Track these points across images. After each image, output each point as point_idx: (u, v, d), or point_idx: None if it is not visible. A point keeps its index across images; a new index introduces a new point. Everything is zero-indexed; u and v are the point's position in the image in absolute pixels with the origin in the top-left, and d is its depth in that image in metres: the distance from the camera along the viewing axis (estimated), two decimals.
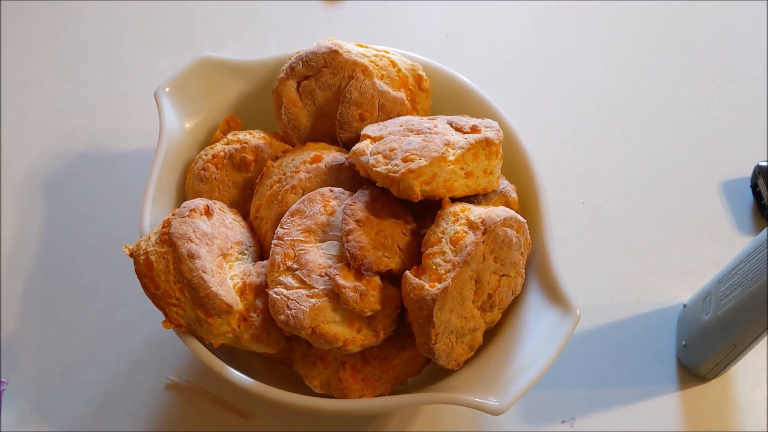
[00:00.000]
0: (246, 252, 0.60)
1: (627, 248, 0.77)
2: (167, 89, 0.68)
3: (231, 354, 0.61)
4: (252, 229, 0.63)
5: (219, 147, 0.66)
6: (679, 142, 0.83)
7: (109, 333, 0.71)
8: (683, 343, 0.69)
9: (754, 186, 0.78)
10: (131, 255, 0.57)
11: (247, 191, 0.66)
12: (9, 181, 0.79)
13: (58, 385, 0.68)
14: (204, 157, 0.66)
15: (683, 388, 0.69)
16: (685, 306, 0.70)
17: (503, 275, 0.57)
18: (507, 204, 0.63)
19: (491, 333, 0.60)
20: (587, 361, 0.70)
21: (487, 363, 0.58)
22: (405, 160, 0.56)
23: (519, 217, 0.58)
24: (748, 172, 0.79)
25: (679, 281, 0.75)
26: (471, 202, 0.60)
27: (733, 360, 0.65)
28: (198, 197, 0.64)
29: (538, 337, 0.58)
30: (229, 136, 0.67)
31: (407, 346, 0.58)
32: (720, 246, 0.76)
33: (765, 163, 0.77)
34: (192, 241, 0.55)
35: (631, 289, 0.74)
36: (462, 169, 0.57)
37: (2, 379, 0.67)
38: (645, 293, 0.74)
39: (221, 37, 0.90)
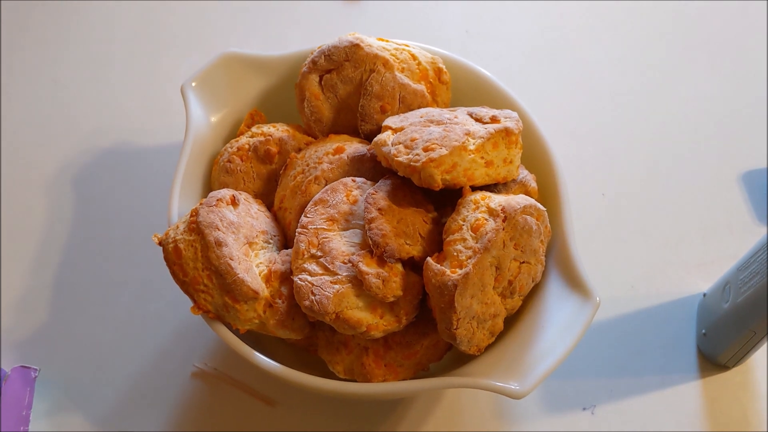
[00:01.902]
0: (271, 241, 0.62)
1: (646, 239, 0.77)
2: (193, 84, 0.69)
3: (257, 341, 0.62)
4: (276, 219, 0.65)
5: (244, 140, 0.68)
6: (698, 134, 0.84)
7: (137, 324, 0.73)
8: (703, 331, 0.69)
9: None
10: (160, 243, 0.59)
11: (271, 183, 0.67)
12: (40, 177, 0.81)
13: (88, 373, 0.70)
14: (229, 149, 0.67)
15: (703, 376, 0.70)
16: (704, 295, 0.71)
17: (523, 262, 0.58)
18: (527, 193, 0.63)
19: (512, 319, 0.61)
20: (608, 350, 0.71)
21: (508, 348, 0.59)
22: (426, 149, 0.58)
23: (539, 205, 0.59)
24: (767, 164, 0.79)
25: (699, 271, 0.75)
26: (491, 191, 0.61)
27: (752, 348, 0.65)
28: (224, 188, 0.66)
29: (558, 324, 0.59)
30: (254, 129, 0.68)
31: (429, 332, 0.60)
32: (739, 236, 0.77)
33: None
34: (219, 230, 0.57)
35: (650, 279, 0.75)
36: (482, 158, 0.58)
37: (35, 367, 0.69)
38: (665, 284, 0.75)
39: (244, 36, 0.92)
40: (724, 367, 0.69)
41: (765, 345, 0.65)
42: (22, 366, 0.69)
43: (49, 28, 0.92)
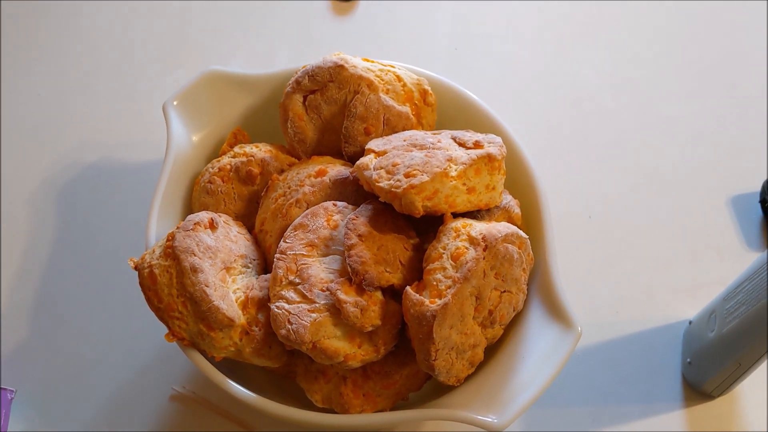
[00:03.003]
0: (250, 265, 0.61)
1: (634, 263, 0.76)
2: (175, 102, 0.69)
3: (234, 367, 0.61)
4: (257, 242, 0.64)
5: (225, 160, 0.67)
6: (687, 156, 0.83)
7: (117, 343, 0.72)
8: (688, 360, 0.68)
9: (763, 201, 0.77)
10: (136, 268, 0.58)
11: (252, 204, 0.66)
12: (21, 191, 0.80)
13: (65, 394, 0.69)
14: (210, 170, 0.67)
15: (688, 405, 0.69)
16: (690, 322, 0.70)
17: (504, 291, 0.57)
18: (510, 219, 0.63)
19: (493, 349, 0.60)
20: (592, 377, 0.70)
21: (488, 379, 0.58)
22: (407, 175, 0.57)
23: (521, 232, 0.58)
24: (758, 187, 0.78)
25: (686, 297, 0.74)
26: (474, 218, 0.60)
27: (738, 378, 0.64)
28: (204, 210, 0.65)
29: (538, 354, 0.58)
30: (236, 149, 0.68)
31: (408, 362, 0.59)
32: (728, 262, 0.76)
33: None
34: (195, 255, 0.56)
35: (636, 304, 0.74)
36: (464, 184, 0.58)
37: (11, 389, 0.68)
38: (651, 309, 0.74)
39: (231, 50, 0.91)
40: (709, 397, 0.68)
41: (751, 375, 0.64)
42: None
43: (32, 41, 0.91)
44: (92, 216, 0.79)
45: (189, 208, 0.67)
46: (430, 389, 0.61)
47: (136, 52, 0.91)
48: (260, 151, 0.67)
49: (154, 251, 0.58)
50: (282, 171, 0.66)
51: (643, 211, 0.79)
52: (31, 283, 0.75)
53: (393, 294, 0.58)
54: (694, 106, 0.87)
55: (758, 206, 0.78)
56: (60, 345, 0.72)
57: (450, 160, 0.58)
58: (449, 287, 0.54)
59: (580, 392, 0.69)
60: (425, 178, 0.56)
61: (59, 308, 0.74)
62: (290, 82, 0.67)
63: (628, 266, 0.76)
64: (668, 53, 0.91)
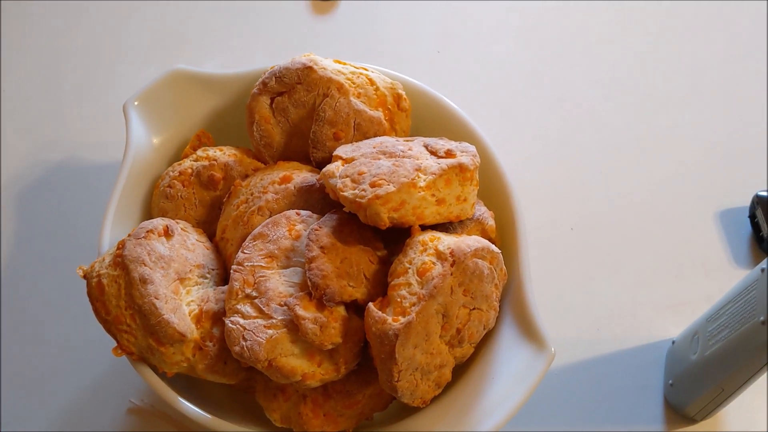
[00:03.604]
0: (208, 276, 0.58)
1: (616, 278, 0.73)
2: (136, 102, 0.65)
3: (190, 380, 0.58)
4: (218, 250, 0.60)
5: (187, 163, 0.64)
6: (674, 169, 0.80)
7: (73, 352, 0.68)
8: (670, 382, 0.65)
9: (752, 216, 0.74)
10: (84, 277, 0.55)
11: (214, 210, 0.63)
12: None
13: (16, 406, 0.66)
14: (171, 173, 0.63)
15: (669, 428, 0.66)
16: (674, 342, 0.67)
17: (474, 309, 0.54)
18: (484, 231, 0.59)
19: (462, 368, 0.57)
20: (570, 396, 0.67)
21: (456, 400, 0.55)
22: (373, 185, 0.54)
23: (492, 247, 0.55)
24: (746, 202, 0.75)
25: (670, 314, 0.71)
26: (446, 230, 0.57)
27: (721, 403, 0.61)
28: (163, 215, 0.62)
29: (509, 375, 0.55)
30: (199, 153, 0.64)
31: (372, 381, 0.55)
32: (714, 278, 0.73)
33: (764, 193, 0.73)
34: (146, 265, 0.53)
35: (619, 321, 0.71)
36: (433, 195, 0.54)
37: None
38: (633, 326, 0.71)
39: (207, 49, 0.88)
40: (692, 420, 0.65)
41: (735, 400, 0.61)
42: None
43: None
44: (50, 219, 0.75)
45: (148, 213, 0.64)
46: (396, 409, 0.58)
47: (107, 49, 0.87)
48: (224, 154, 0.64)
49: (104, 259, 0.55)
50: (246, 176, 0.63)
51: (627, 223, 0.76)
52: None
53: (356, 309, 0.54)
54: (682, 119, 0.83)
55: (747, 221, 0.75)
56: (11, 355, 0.68)
57: (419, 169, 0.54)
58: (414, 304, 0.51)
59: (558, 412, 0.66)
60: (391, 188, 0.53)
61: (11, 315, 0.70)
62: (257, 83, 0.64)
63: (611, 281, 0.73)
64: (655, 65, 0.88)
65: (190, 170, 0.63)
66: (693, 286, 0.73)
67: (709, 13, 0.92)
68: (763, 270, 0.53)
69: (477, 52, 0.88)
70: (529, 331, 0.56)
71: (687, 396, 0.63)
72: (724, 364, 0.57)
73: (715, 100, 0.85)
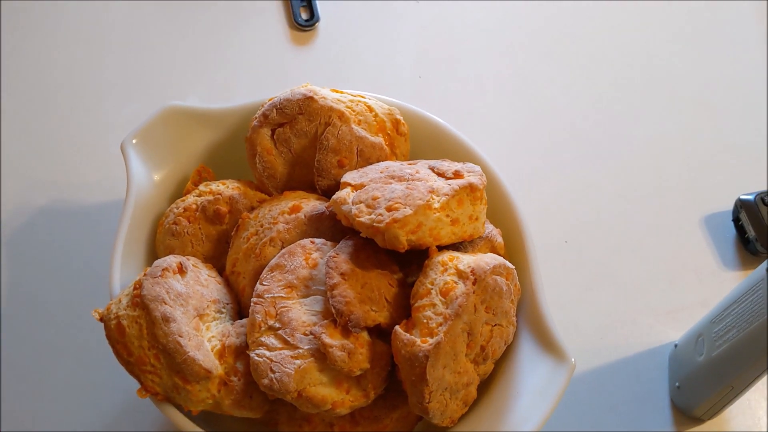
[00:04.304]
0: (223, 310, 0.57)
1: (613, 287, 0.75)
2: (134, 141, 0.65)
3: (210, 417, 0.57)
4: (228, 284, 0.60)
5: (191, 199, 0.63)
6: (659, 177, 0.82)
7: (78, 397, 0.67)
8: (677, 384, 0.67)
9: (737, 219, 0.77)
10: (101, 319, 0.53)
11: (222, 245, 0.63)
12: None
13: None
14: (175, 210, 0.63)
15: (678, 430, 0.67)
16: (676, 346, 0.69)
17: (495, 325, 0.55)
18: (493, 249, 0.61)
19: (484, 385, 0.58)
20: (579, 405, 0.68)
21: (482, 419, 0.56)
22: (389, 209, 0.54)
23: (507, 263, 0.56)
24: (730, 206, 0.78)
25: (668, 320, 0.73)
26: (457, 250, 0.58)
27: (729, 401, 0.63)
28: (170, 253, 0.61)
29: (533, 390, 0.55)
30: (201, 188, 0.64)
31: (398, 405, 0.56)
32: (706, 282, 0.75)
33: (746, 196, 0.76)
34: (166, 303, 0.52)
35: (619, 328, 0.73)
36: (447, 216, 0.55)
37: None
38: (634, 333, 0.72)
39: (189, 83, 0.87)
40: (699, 421, 0.67)
41: (740, 397, 0.63)
42: None
43: None
44: (46, 263, 0.73)
45: (153, 252, 0.63)
46: (422, 431, 0.58)
47: (87, 87, 0.86)
48: (228, 188, 0.63)
49: (120, 301, 0.54)
50: (252, 208, 0.63)
51: (618, 232, 0.79)
52: None
53: (379, 334, 0.55)
54: (664, 127, 0.86)
55: (731, 225, 0.78)
56: (21, 400, 0.66)
57: (432, 191, 0.55)
58: (440, 324, 0.51)
59: (569, 421, 0.67)
60: (408, 211, 0.54)
61: (14, 363, 0.68)
62: (257, 115, 0.64)
63: (608, 290, 0.75)
64: (639, 74, 0.91)
65: (194, 206, 0.62)
66: (687, 290, 0.75)
67: (686, 21, 0.96)
68: None
69: (457, 75, 0.90)
70: (547, 343, 0.56)
71: (695, 397, 0.65)
72: (734, 363, 0.59)
73: (696, 109, 0.88)
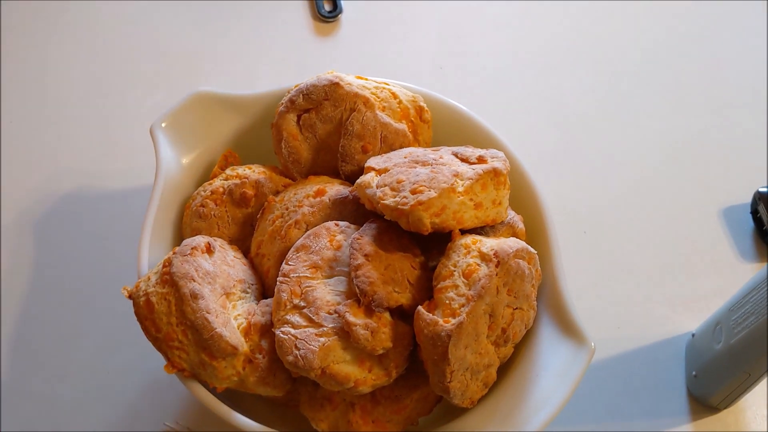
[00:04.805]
0: (249, 290, 0.58)
1: (630, 277, 0.76)
2: (163, 125, 0.66)
3: (232, 396, 0.58)
4: (253, 266, 0.61)
5: (218, 183, 0.64)
6: (678, 169, 0.83)
7: (102, 379, 0.68)
8: (693, 373, 0.67)
9: (755, 212, 0.77)
10: (130, 297, 0.55)
11: (247, 227, 0.64)
12: None
13: (53, 428, 0.65)
14: (202, 193, 0.64)
15: (694, 419, 0.68)
16: (693, 335, 0.69)
17: (516, 308, 0.56)
18: (515, 235, 0.61)
19: (504, 368, 0.58)
20: (596, 394, 0.69)
21: (502, 400, 0.56)
22: (414, 192, 0.55)
23: (530, 248, 0.57)
24: (748, 198, 0.79)
25: (685, 310, 0.74)
26: (479, 234, 0.59)
27: (746, 389, 0.63)
28: (197, 235, 0.62)
29: (552, 372, 0.56)
30: (228, 171, 0.65)
31: (419, 385, 0.57)
32: (723, 273, 0.76)
33: (765, 189, 0.77)
34: (195, 281, 0.53)
35: (636, 319, 0.73)
36: (471, 200, 0.56)
37: None
38: (651, 323, 0.73)
39: (212, 72, 0.89)
40: (715, 409, 0.68)
41: (755, 387, 0.63)
42: None
43: (5, 67, 0.87)
44: (72, 248, 0.75)
45: (180, 233, 0.65)
46: (440, 413, 0.59)
47: (114, 75, 0.87)
48: (254, 172, 0.65)
49: (149, 278, 0.55)
50: (277, 192, 0.64)
51: (636, 224, 0.79)
52: (10, 319, 0.70)
53: (401, 315, 0.56)
54: (683, 119, 0.87)
55: (749, 217, 0.78)
56: (43, 382, 0.68)
57: (456, 175, 0.56)
58: (463, 305, 0.52)
59: (586, 409, 0.68)
60: (433, 194, 0.55)
61: (40, 345, 0.70)
62: (283, 101, 0.65)
63: (626, 280, 0.76)
64: (657, 66, 0.91)
65: (221, 189, 0.63)
66: (704, 281, 0.76)
67: (708, 13, 0.96)
68: None
69: (478, 66, 0.91)
70: (567, 327, 0.57)
71: (712, 385, 0.65)
72: (752, 349, 0.59)
73: (716, 101, 0.88)
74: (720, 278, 0.76)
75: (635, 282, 0.76)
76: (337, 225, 0.58)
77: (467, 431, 0.53)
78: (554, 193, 0.79)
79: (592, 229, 0.79)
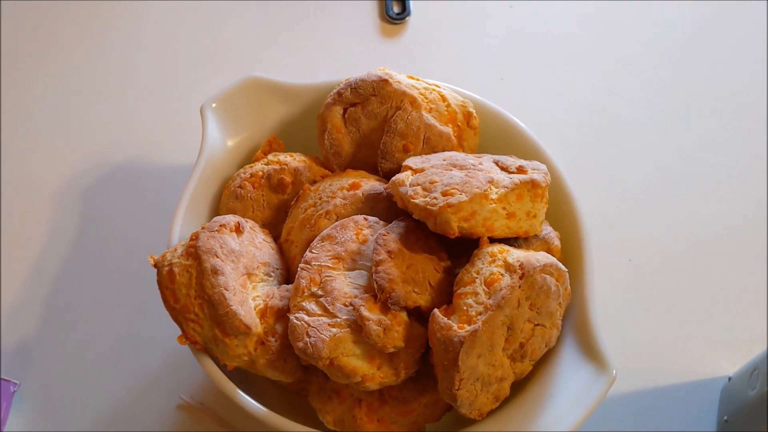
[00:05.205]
0: (272, 274, 0.58)
1: (671, 311, 0.73)
2: (213, 105, 0.67)
3: (245, 379, 0.58)
4: (282, 252, 0.61)
5: (258, 166, 0.65)
6: (734, 207, 0.79)
7: (126, 347, 0.70)
8: (725, 418, 0.64)
9: None
10: (155, 265, 0.56)
11: (281, 213, 0.64)
12: (47, 186, 0.79)
13: (69, 394, 0.67)
14: (242, 174, 0.65)
15: None
16: (730, 379, 0.66)
17: (538, 324, 0.54)
18: (549, 251, 0.60)
19: (520, 385, 0.57)
20: (620, 425, 0.66)
21: (512, 416, 0.55)
22: (445, 194, 0.54)
23: (560, 265, 0.55)
24: None
25: (724, 352, 0.70)
26: (510, 245, 0.57)
27: None
28: (230, 214, 0.63)
29: (568, 394, 0.54)
30: (270, 157, 0.66)
31: (428, 390, 0.55)
32: None
33: None
34: (218, 257, 0.54)
35: (672, 354, 0.70)
36: (504, 209, 0.55)
37: (15, 381, 0.66)
38: (686, 361, 0.70)
39: (275, 61, 0.90)
40: None
41: None
42: (1, 378, 0.65)
43: (76, 37, 0.91)
44: (115, 216, 0.77)
45: (216, 212, 0.65)
46: (449, 422, 0.58)
47: (179, 56, 0.90)
48: (294, 160, 0.65)
49: (176, 249, 0.56)
50: (314, 182, 0.64)
51: (684, 259, 0.76)
52: (48, 280, 0.73)
53: (419, 317, 0.55)
54: (742, 157, 0.83)
55: None
56: (70, 344, 0.70)
57: (491, 182, 0.55)
58: (480, 313, 0.51)
59: None
60: (463, 197, 0.54)
61: (73, 307, 0.72)
62: (332, 93, 0.65)
63: (666, 314, 0.72)
64: (720, 98, 0.88)
65: (261, 173, 0.64)
66: (748, 325, 0.72)
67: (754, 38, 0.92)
68: None
69: (539, 82, 0.89)
70: (590, 351, 0.55)
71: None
72: None
73: None
74: (766, 324, 0.72)
75: (676, 317, 0.72)
76: (366, 219, 0.58)
77: None
78: (603, 216, 0.78)
79: (637, 258, 0.76)
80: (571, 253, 0.61)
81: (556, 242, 0.60)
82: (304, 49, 0.91)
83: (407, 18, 0.93)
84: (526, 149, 0.65)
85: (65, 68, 0.88)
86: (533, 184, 0.56)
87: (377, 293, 0.53)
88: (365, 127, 0.64)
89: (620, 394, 0.67)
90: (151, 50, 0.90)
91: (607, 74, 0.90)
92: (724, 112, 0.87)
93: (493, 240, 0.56)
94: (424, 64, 0.90)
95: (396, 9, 0.94)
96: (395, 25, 0.93)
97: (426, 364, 0.55)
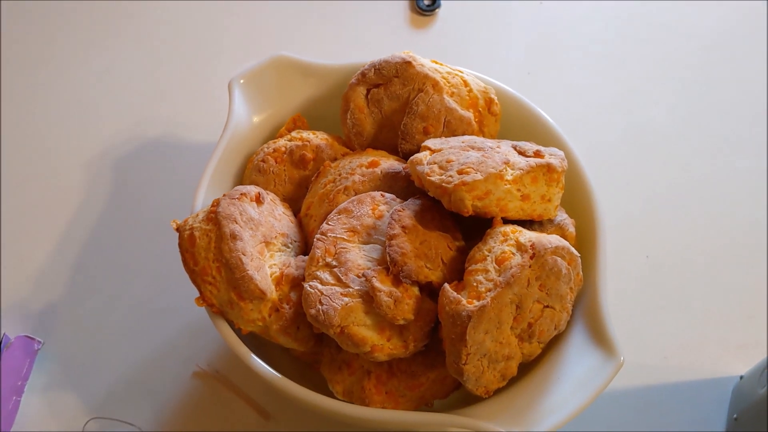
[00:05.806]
0: (290, 245, 0.60)
1: (686, 310, 0.72)
2: (241, 81, 0.69)
3: (260, 346, 0.60)
4: (301, 225, 0.63)
5: (281, 142, 0.66)
6: (754, 211, 0.79)
7: (146, 315, 0.71)
8: (735, 416, 0.64)
9: None
10: (177, 229, 0.57)
11: (301, 189, 0.65)
12: (80, 156, 0.81)
13: (90, 355, 0.69)
14: (265, 149, 0.66)
15: None
16: (741, 378, 0.66)
17: (547, 306, 0.55)
18: (563, 237, 0.60)
19: (527, 366, 0.57)
20: (631, 419, 0.66)
21: (518, 396, 0.55)
22: (460, 172, 0.55)
23: (572, 249, 0.56)
24: None
25: (738, 353, 0.70)
26: (524, 227, 0.58)
27: None
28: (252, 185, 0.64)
29: (575, 378, 0.55)
30: (293, 134, 0.67)
31: (437, 365, 0.56)
32: None
33: None
34: (237, 223, 0.55)
35: (685, 352, 0.70)
36: (519, 190, 0.56)
37: (39, 339, 0.68)
38: (700, 359, 0.70)
39: (303, 48, 0.91)
40: None
41: None
42: (26, 336, 0.68)
43: (110, 16, 0.93)
44: (143, 187, 0.79)
45: (239, 184, 0.67)
46: (457, 400, 0.59)
47: (210, 35, 0.92)
48: (316, 137, 0.66)
49: (197, 215, 0.57)
50: (335, 159, 0.65)
51: (702, 258, 0.76)
52: (75, 245, 0.75)
53: (430, 293, 0.56)
54: (764, 161, 0.83)
55: None
56: (94, 307, 0.72)
57: (507, 163, 0.56)
58: (489, 290, 0.52)
59: None
60: (478, 176, 0.54)
61: (99, 272, 0.74)
62: (356, 74, 0.66)
63: (681, 313, 0.72)
64: (748, 99, 0.87)
65: (283, 148, 0.66)
66: (763, 327, 0.71)
67: None
68: None
69: (566, 80, 0.89)
70: (599, 336, 0.56)
71: (751, 430, 0.62)
72: None
73: None
74: None
75: (692, 316, 0.72)
76: (383, 195, 0.59)
77: (473, 418, 0.52)
78: (624, 213, 0.78)
79: (655, 255, 0.76)
80: (585, 240, 0.62)
81: (571, 229, 0.61)
82: (333, 36, 0.93)
83: (437, 10, 0.94)
84: (547, 137, 0.66)
85: (102, 47, 0.91)
86: (549, 168, 0.57)
87: (390, 266, 0.54)
88: (387, 109, 0.65)
89: (632, 388, 0.68)
90: (185, 32, 0.93)
91: (633, 74, 0.90)
92: (749, 115, 0.86)
93: (507, 221, 0.57)
94: (452, 56, 0.91)
95: (426, 1, 0.95)
96: (425, 17, 0.94)
97: (435, 340, 0.56)
